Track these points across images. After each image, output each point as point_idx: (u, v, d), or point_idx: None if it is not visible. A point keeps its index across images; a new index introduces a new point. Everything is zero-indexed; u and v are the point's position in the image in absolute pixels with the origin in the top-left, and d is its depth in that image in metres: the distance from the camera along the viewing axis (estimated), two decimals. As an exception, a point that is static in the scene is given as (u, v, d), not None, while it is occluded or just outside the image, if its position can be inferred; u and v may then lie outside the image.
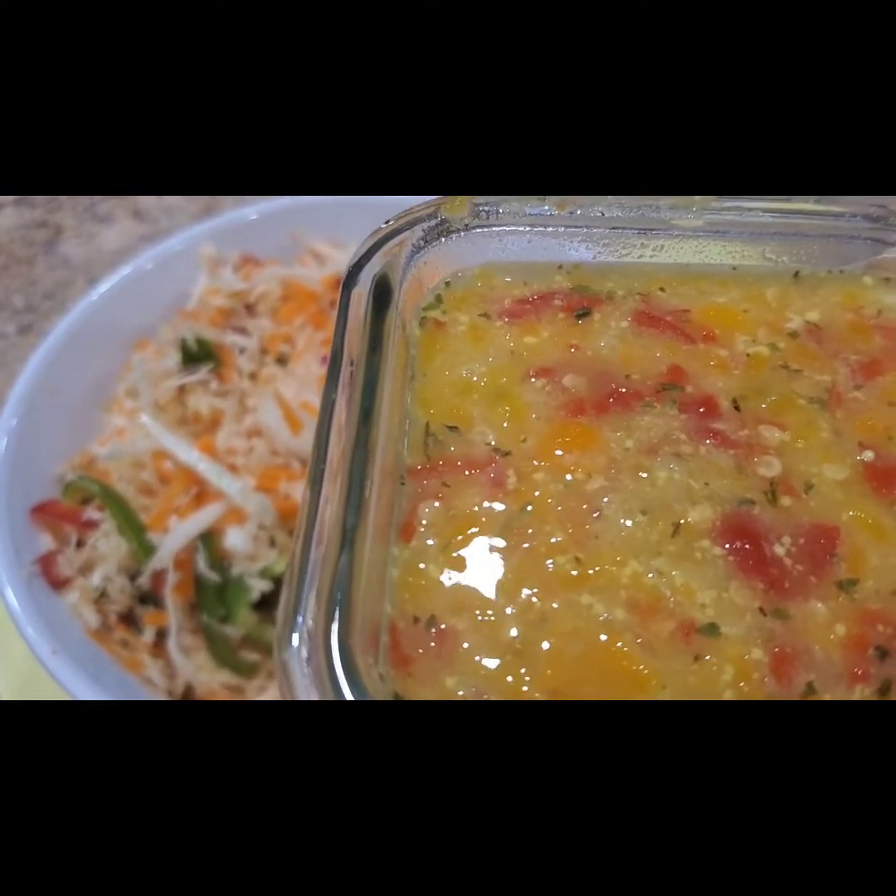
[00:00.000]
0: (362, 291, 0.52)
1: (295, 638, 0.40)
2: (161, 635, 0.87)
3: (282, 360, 0.99)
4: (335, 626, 0.40)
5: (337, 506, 0.44)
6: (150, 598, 0.88)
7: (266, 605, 0.87)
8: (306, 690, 0.40)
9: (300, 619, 0.41)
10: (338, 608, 0.41)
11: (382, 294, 0.52)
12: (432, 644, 0.44)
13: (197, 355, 0.98)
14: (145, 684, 0.83)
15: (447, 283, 0.57)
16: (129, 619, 0.89)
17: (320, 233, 1.12)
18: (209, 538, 0.86)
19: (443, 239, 0.55)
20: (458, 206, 0.55)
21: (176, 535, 0.86)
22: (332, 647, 0.40)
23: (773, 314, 0.55)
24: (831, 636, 0.43)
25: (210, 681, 0.84)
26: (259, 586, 0.86)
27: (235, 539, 0.86)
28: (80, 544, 0.90)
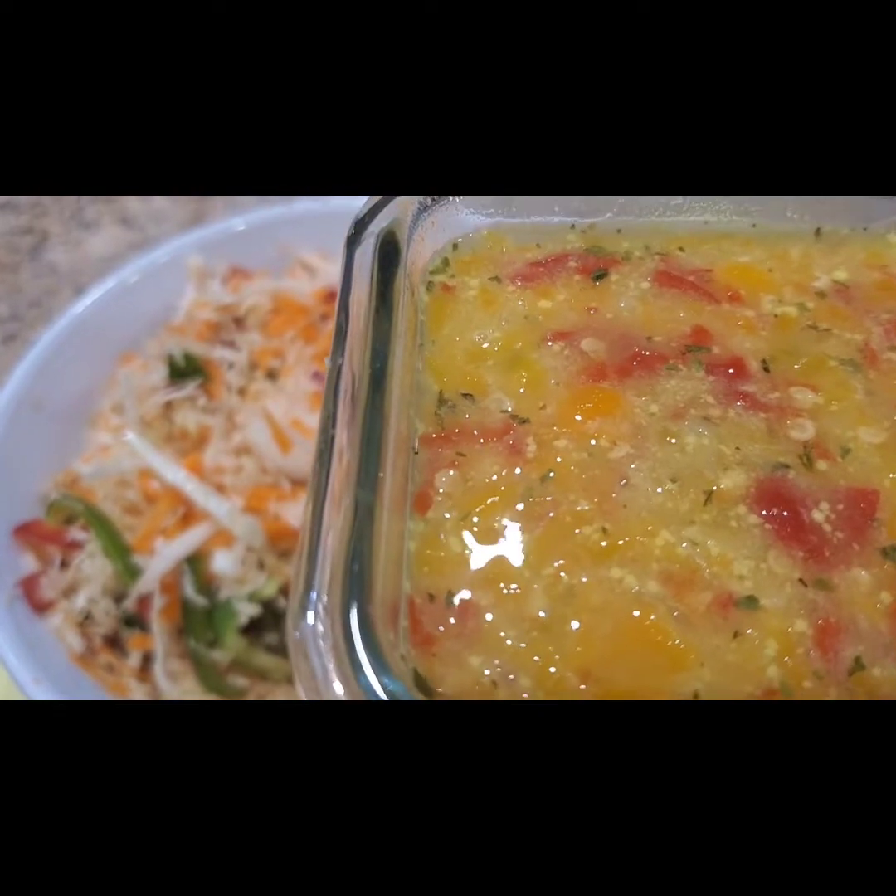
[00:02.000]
0: (367, 251, 0.49)
1: (310, 615, 0.38)
2: (147, 659, 0.86)
3: (272, 375, 0.98)
4: (354, 601, 0.38)
5: (350, 476, 0.42)
6: (135, 621, 0.87)
7: (254, 629, 0.86)
8: (323, 671, 0.38)
9: (314, 594, 0.39)
10: (356, 582, 0.39)
11: (389, 254, 0.50)
12: (454, 621, 0.42)
13: (184, 370, 0.97)
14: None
15: (454, 246, 0.55)
16: (113, 643, 0.88)
17: (309, 244, 1.10)
18: (196, 561, 0.85)
19: (449, 197, 0.53)
20: None
21: (162, 559, 0.84)
22: (352, 623, 0.38)
23: (799, 273, 0.54)
24: (877, 605, 0.41)
25: (198, 706, 0.83)
26: (247, 611, 0.85)
27: (223, 562, 0.85)
28: (63, 565, 0.89)
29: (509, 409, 0.48)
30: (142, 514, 0.90)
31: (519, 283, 0.54)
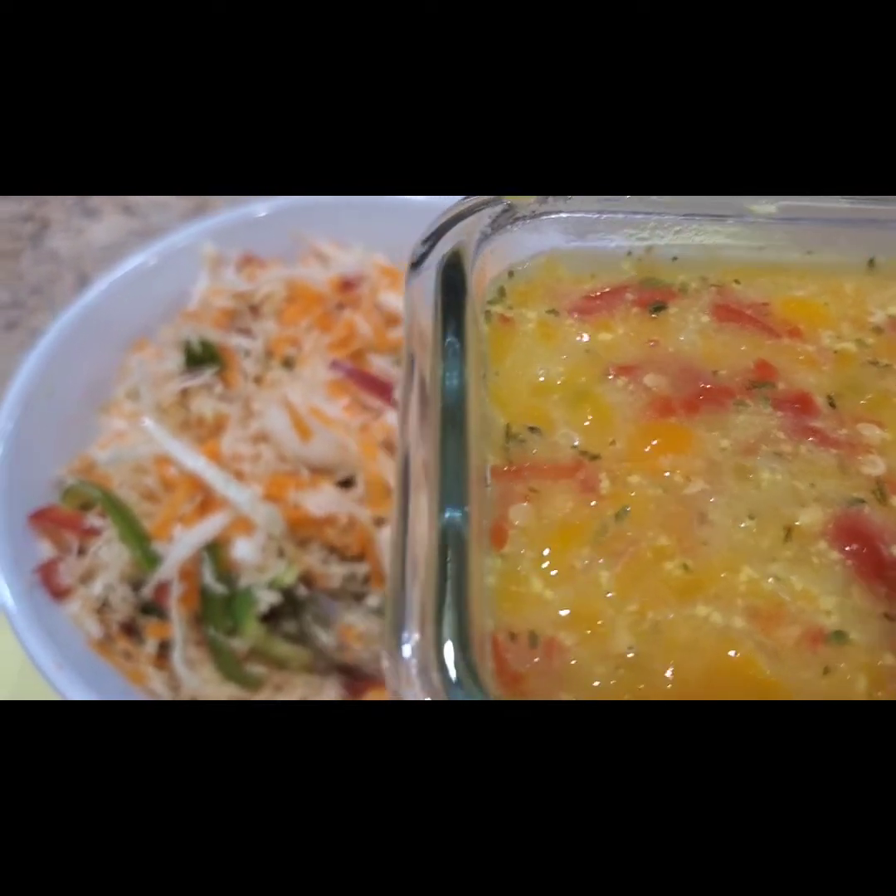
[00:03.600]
0: (431, 276, 0.50)
1: (405, 648, 0.39)
2: (164, 647, 0.88)
3: (288, 364, 0.99)
4: (453, 635, 0.39)
5: (433, 509, 0.42)
6: (152, 608, 0.89)
7: (273, 617, 0.88)
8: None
9: (407, 631, 0.39)
10: (454, 615, 0.39)
11: (454, 279, 0.51)
12: (539, 660, 0.43)
13: (200, 357, 0.98)
14: (149, 696, 0.83)
15: (510, 274, 0.55)
16: (130, 630, 0.89)
17: (323, 233, 1.11)
18: (215, 548, 0.86)
19: (508, 226, 0.54)
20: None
21: (181, 546, 0.85)
22: (450, 656, 0.38)
23: (854, 308, 0.55)
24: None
25: (215, 694, 0.85)
26: (267, 598, 0.86)
27: (243, 550, 0.86)
28: (80, 552, 0.89)
29: (578, 444, 0.49)
30: (159, 500, 0.92)
31: (576, 316, 0.54)
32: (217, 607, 0.86)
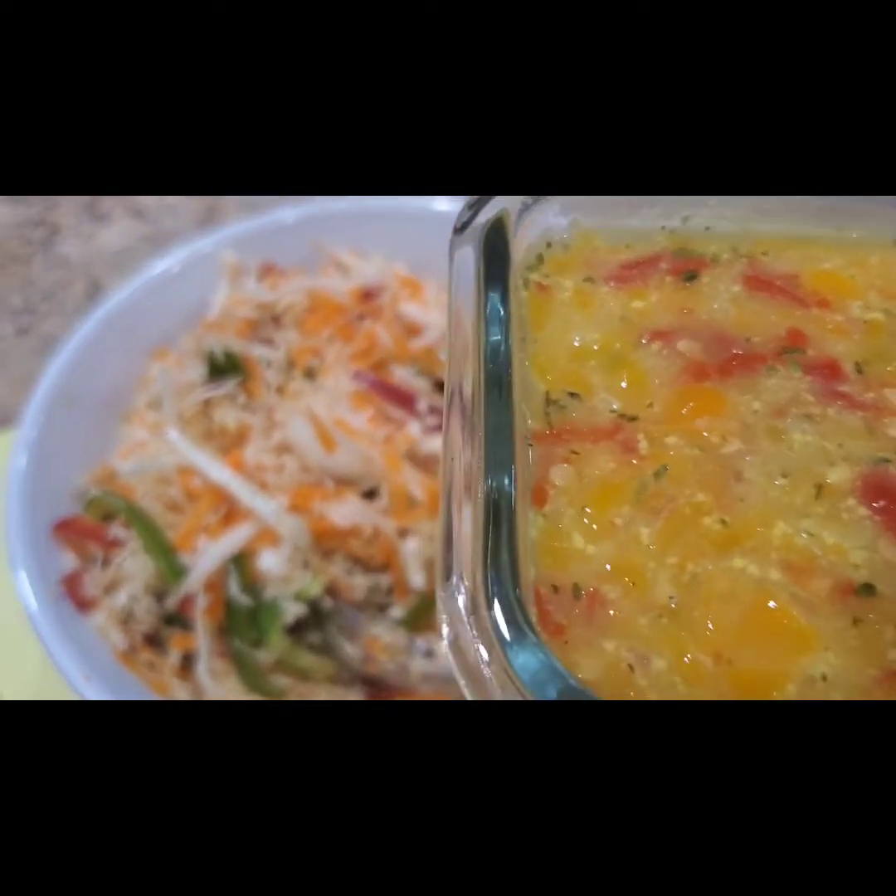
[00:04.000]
0: (475, 245, 0.52)
1: (460, 598, 0.41)
2: (188, 658, 0.88)
3: (310, 374, 1.00)
4: (503, 581, 0.41)
5: (479, 466, 0.45)
6: (176, 619, 0.89)
7: (298, 628, 0.88)
8: (476, 653, 0.40)
9: (457, 577, 0.42)
10: (504, 564, 0.41)
11: (496, 246, 0.53)
12: (579, 611, 0.45)
13: (224, 367, 0.98)
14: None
15: (548, 244, 0.57)
16: (153, 641, 0.90)
17: (342, 241, 1.13)
18: (241, 560, 0.86)
19: (549, 198, 0.56)
20: None
21: (207, 558, 0.86)
22: (501, 603, 0.40)
23: (881, 279, 0.57)
24: None
25: (239, 706, 0.85)
26: (293, 610, 0.86)
27: (270, 562, 0.86)
28: (104, 562, 0.90)
29: (616, 408, 0.51)
30: (182, 510, 0.92)
31: (612, 285, 0.57)
32: (242, 619, 0.86)
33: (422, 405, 0.95)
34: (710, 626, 0.44)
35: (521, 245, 0.56)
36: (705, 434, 0.50)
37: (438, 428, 0.91)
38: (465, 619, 0.41)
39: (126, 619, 0.88)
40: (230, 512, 0.89)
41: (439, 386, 0.97)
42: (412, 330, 1.03)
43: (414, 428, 0.94)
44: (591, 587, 0.46)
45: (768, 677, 0.43)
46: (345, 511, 0.88)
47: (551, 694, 0.39)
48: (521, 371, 0.51)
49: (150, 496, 0.93)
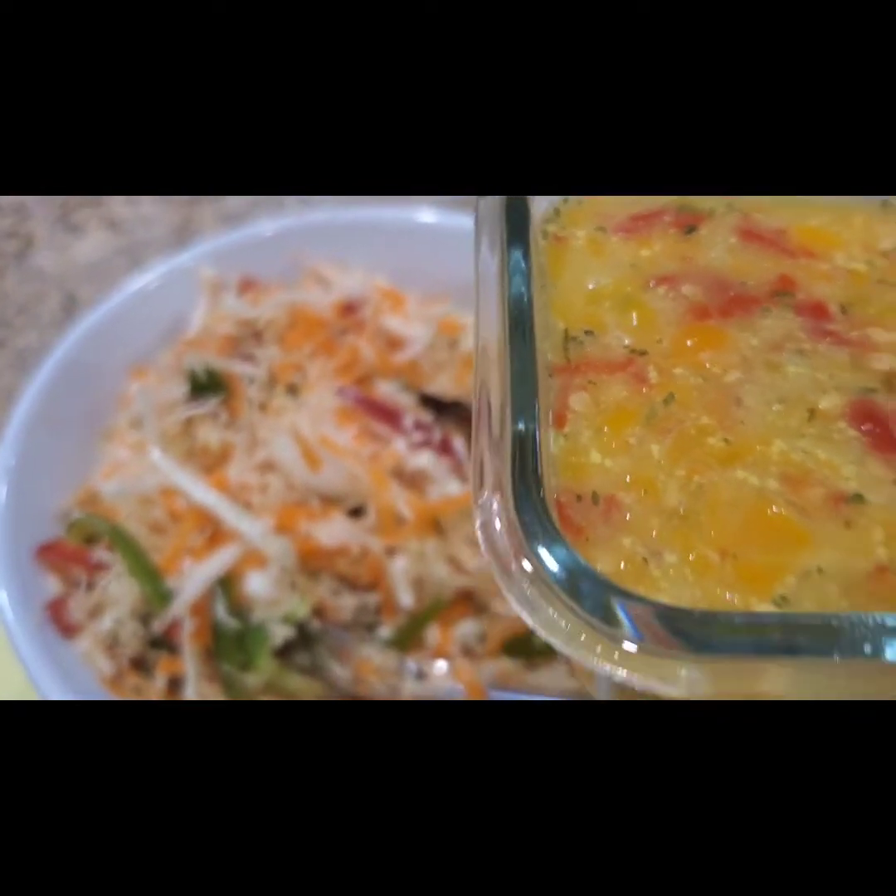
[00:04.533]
0: (498, 201, 0.57)
1: (495, 504, 0.46)
2: (175, 682, 0.88)
3: (292, 391, 0.99)
4: (530, 486, 0.46)
5: (506, 395, 0.50)
6: (162, 643, 0.89)
7: (286, 650, 0.88)
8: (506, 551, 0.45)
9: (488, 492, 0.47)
10: (531, 474, 0.46)
11: (518, 203, 0.58)
12: (597, 515, 0.50)
13: (206, 385, 0.98)
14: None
15: (564, 200, 0.63)
16: (139, 665, 0.90)
17: (321, 254, 1.12)
18: (227, 583, 0.87)
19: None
20: None
21: (194, 582, 0.86)
22: (527, 511, 0.46)
23: (864, 234, 0.63)
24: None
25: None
26: (281, 632, 0.87)
27: (257, 584, 0.86)
28: (88, 586, 0.90)
29: (628, 344, 0.57)
30: (165, 532, 0.91)
31: (622, 235, 0.62)
32: (230, 642, 0.86)
33: (407, 421, 0.94)
34: (715, 528, 0.50)
35: (541, 201, 0.62)
36: (708, 366, 0.55)
37: (424, 444, 0.92)
38: (497, 525, 0.46)
39: (111, 644, 0.87)
40: (215, 533, 0.89)
41: (424, 400, 0.98)
42: (394, 343, 1.02)
43: (399, 445, 0.93)
44: (609, 493, 0.51)
45: (769, 569, 0.48)
46: (332, 531, 0.87)
47: (578, 586, 0.45)
48: (543, 314, 0.57)
49: (133, 518, 0.91)
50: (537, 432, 0.49)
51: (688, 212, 0.64)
